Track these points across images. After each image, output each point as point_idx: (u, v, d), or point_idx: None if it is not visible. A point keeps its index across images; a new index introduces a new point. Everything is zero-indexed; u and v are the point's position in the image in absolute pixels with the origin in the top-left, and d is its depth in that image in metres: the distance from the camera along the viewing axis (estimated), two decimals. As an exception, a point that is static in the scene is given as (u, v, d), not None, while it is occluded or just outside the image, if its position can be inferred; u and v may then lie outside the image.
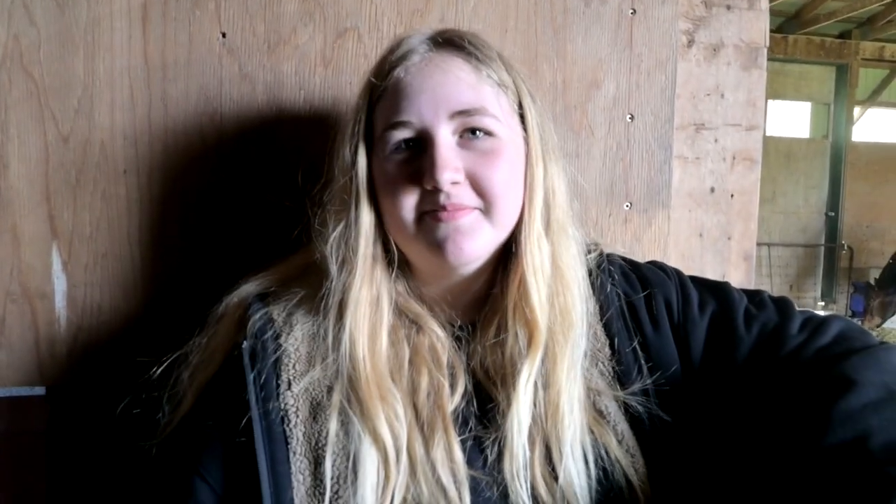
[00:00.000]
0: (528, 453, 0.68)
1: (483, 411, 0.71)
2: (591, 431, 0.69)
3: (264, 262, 0.81)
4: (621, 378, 0.73)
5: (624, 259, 0.83)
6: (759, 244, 1.17)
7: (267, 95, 0.95)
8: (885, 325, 7.36)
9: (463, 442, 0.68)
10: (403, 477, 0.65)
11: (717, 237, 1.14)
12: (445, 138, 0.69)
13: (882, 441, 0.58)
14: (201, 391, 0.74)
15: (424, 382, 0.70)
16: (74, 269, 0.92)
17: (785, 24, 8.23)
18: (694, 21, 1.10)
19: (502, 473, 0.67)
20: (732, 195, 1.14)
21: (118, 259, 0.93)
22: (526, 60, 1.01)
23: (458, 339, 0.75)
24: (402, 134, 0.70)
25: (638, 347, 0.74)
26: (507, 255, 0.73)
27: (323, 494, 0.64)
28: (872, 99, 9.58)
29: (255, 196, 0.95)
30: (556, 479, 0.67)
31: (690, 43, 1.10)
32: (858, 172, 9.24)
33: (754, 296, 0.78)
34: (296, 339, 0.71)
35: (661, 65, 1.06)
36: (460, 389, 0.71)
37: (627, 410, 0.71)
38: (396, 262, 0.73)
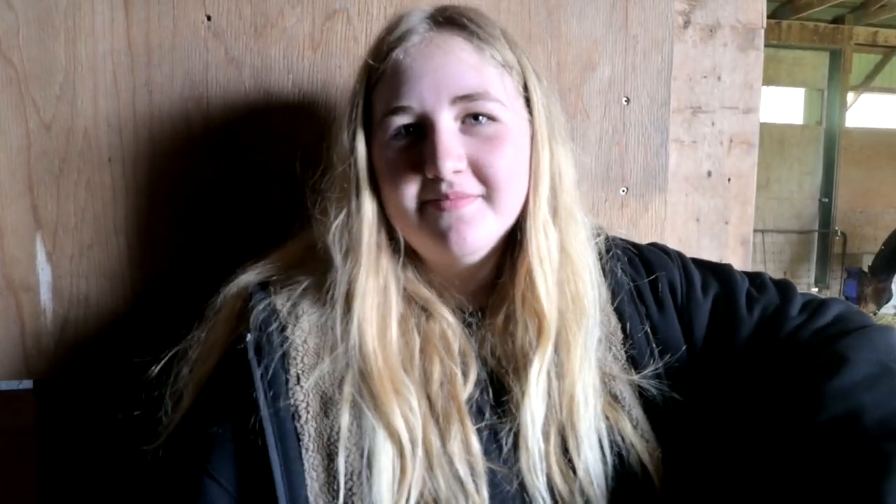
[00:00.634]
0: (542, 445, 0.66)
1: (498, 401, 0.69)
2: (607, 417, 0.68)
3: (255, 251, 0.79)
4: (635, 362, 0.72)
5: (626, 242, 0.81)
6: (753, 230, 1.16)
7: (254, 80, 0.92)
8: (879, 312, 7.40)
9: (479, 432, 0.66)
10: (420, 471, 0.63)
11: (714, 221, 1.13)
12: (447, 124, 0.66)
13: (875, 417, 0.58)
14: (202, 387, 0.71)
15: (437, 372, 0.68)
16: (59, 259, 0.90)
17: (779, 10, 8.19)
18: (690, 1, 1.08)
19: (518, 464, 0.66)
20: (729, 179, 1.13)
21: (104, 249, 0.91)
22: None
23: (468, 325, 0.73)
24: (401, 120, 0.67)
25: (649, 331, 0.73)
26: (514, 242, 0.71)
27: (337, 491, 0.62)
28: (866, 84, 9.57)
29: (244, 183, 0.93)
30: (572, 467, 0.66)
31: (686, 24, 1.08)
32: (852, 158, 9.24)
33: (756, 278, 0.77)
34: (303, 331, 0.68)
35: (656, 46, 1.04)
36: (473, 377, 0.69)
37: (641, 395, 0.70)
38: (403, 249, 0.71)
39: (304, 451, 0.64)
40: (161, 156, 0.91)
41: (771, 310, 0.73)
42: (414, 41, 0.69)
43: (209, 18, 0.91)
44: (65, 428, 0.92)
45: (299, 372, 0.66)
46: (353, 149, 0.70)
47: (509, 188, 0.68)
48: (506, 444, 0.67)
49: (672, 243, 1.09)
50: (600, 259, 0.75)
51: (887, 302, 7.58)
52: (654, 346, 0.72)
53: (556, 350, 0.69)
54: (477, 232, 0.67)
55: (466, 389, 0.68)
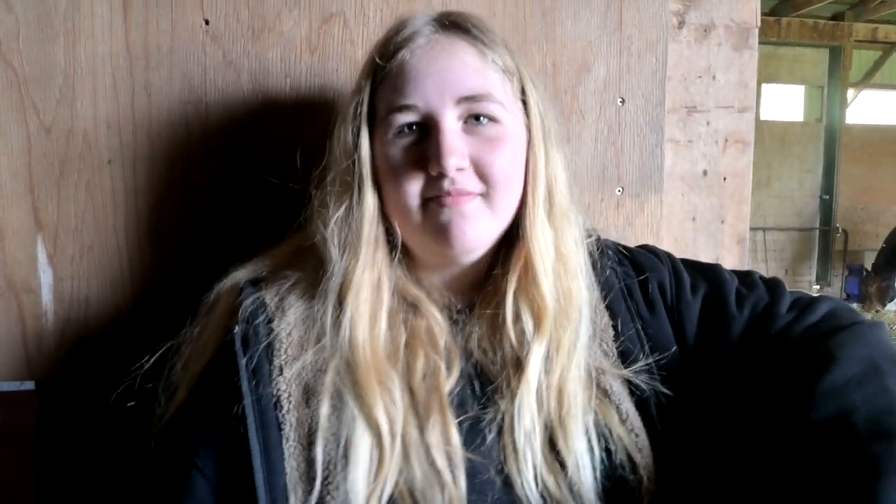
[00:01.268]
0: (529, 436, 0.67)
1: (483, 392, 0.70)
2: (595, 412, 0.69)
3: (254, 252, 0.80)
4: (625, 357, 0.72)
5: (617, 245, 0.83)
6: (754, 229, 1.17)
7: (252, 83, 0.93)
8: (884, 310, 7.37)
9: (460, 423, 0.67)
10: (396, 461, 0.64)
11: (710, 220, 1.14)
12: (451, 124, 0.69)
13: (865, 416, 0.58)
14: (195, 382, 0.73)
15: (420, 364, 0.69)
16: (60, 261, 0.91)
17: (778, 7, 8.17)
18: (684, 1, 1.09)
19: (501, 454, 0.66)
20: (725, 178, 1.13)
21: (105, 251, 0.92)
22: (515, 44, 0.99)
23: (455, 322, 0.74)
24: (406, 118, 0.70)
25: (640, 329, 0.74)
26: (508, 240, 0.73)
27: (314, 479, 0.63)
28: (866, 81, 9.55)
29: (243, 185, 0.94)
30: (559, 459, 0.67)
31: (681, 24, 1.09)
32: (852, 155, 9.22)
33: (745, 276, 0.78)
34: (288, 324, 0.70)
35: (651, 46, 1.05)
36: (456, 371, 0.70)
37: (632, 391, 0.71)
38: (399, 246, 0.72)
39: (284, 440, 0.65)
40: (160, 158, 0.92)
41: (761, 307, 0.73)
42: (420, 43, 0.71)
43: (207, 22, 0.92)
44: (66, 428, 0.93)
45: (282, 363, 0.68)
46: (357, 145, 0.71)
47: (507, 188, 0.71)
48: (489, 433, 0.67)
49: (668, 243, 1.10)
50: (591, 259, 0.77)
51: (892, 300, 7.56)
52: (644, 342, 0.73)
53: (546, 345, 0.70)
54: (475, 228, 0.69)
55: (449, 382, 0.69)
